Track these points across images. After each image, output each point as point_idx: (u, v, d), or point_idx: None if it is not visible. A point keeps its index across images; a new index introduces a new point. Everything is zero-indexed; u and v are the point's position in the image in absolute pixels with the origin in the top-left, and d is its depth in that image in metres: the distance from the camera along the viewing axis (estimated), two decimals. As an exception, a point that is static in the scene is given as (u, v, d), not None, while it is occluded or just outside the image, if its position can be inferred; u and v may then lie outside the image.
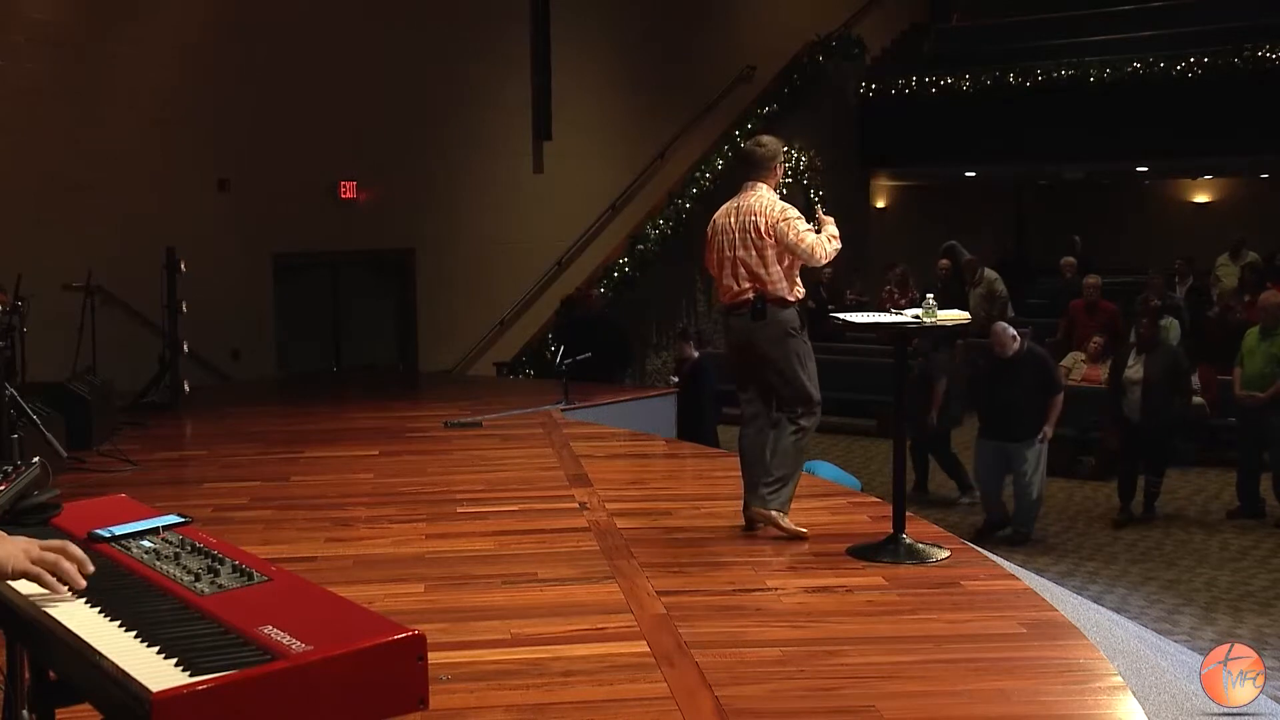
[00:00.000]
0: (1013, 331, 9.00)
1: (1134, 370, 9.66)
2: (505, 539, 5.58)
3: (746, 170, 5.61)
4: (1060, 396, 8.97)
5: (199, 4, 11.57)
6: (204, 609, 1.96)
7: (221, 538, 2.34)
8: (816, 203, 5.76)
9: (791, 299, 5.43)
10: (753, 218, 5.40)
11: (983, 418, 9.37)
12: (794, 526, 5.49)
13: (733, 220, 5.46)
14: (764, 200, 5.44)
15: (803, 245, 5.35)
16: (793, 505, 5.81)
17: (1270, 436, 9.53)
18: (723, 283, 5.51)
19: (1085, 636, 4.18)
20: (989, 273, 13.82)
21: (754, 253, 5.38)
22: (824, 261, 5.51)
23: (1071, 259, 15.60)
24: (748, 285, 5.41)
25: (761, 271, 5.37)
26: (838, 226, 5.59)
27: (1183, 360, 9.91)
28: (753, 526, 5.56)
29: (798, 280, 5.49)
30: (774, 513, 5.47)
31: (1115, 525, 9.55)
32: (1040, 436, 8.91)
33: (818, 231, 5.46)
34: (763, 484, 5.49)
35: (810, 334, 5.60)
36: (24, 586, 2.06)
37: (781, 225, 5.35)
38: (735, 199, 5.56)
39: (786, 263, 5.40)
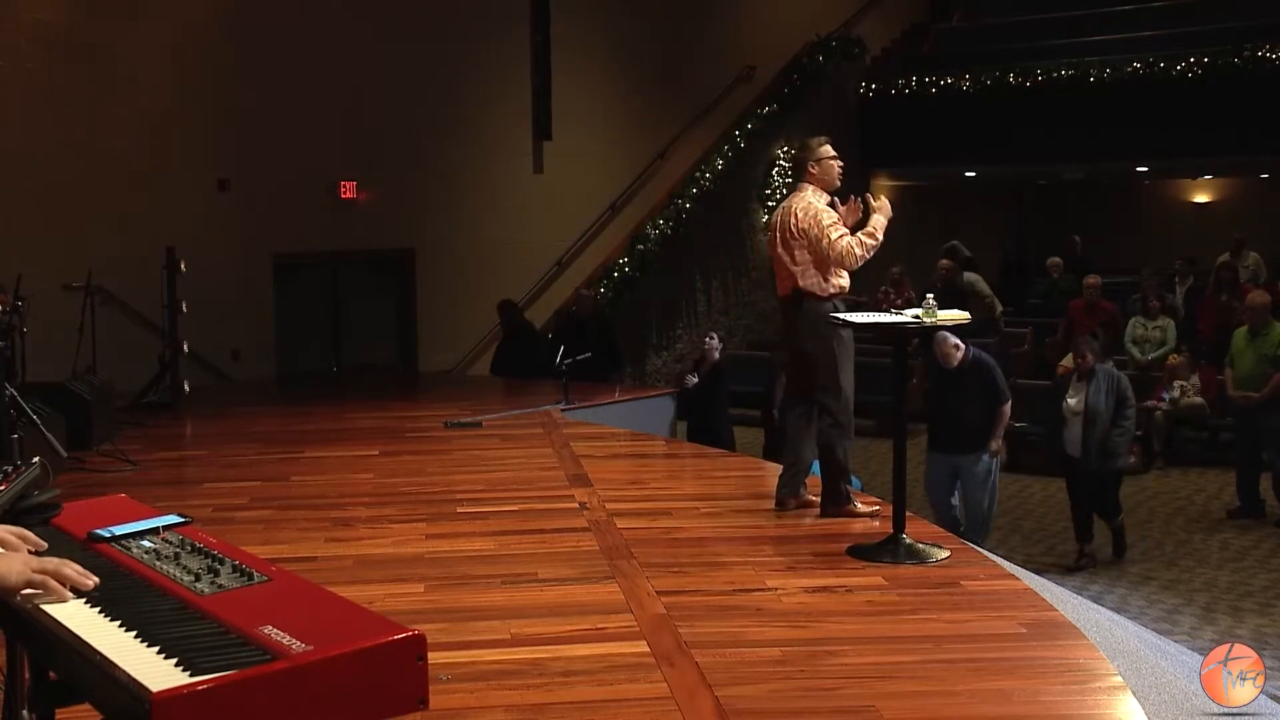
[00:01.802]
0: (954, 340, 8.22)
1: (1075, 400, 8.71)
2: (505, 539, 5.58)
3: (794, 174, 5.95)
4: (1006, 406, 8.24)
5: (199, 4, 11.57)
6: (204, 609, 1.96)
7: (221, 538, 2.34)
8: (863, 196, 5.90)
9: (823, 294, 5.61)
10: (789, 217, 5.66)
11: (930, 430, 8.80)
12: (862, 508, 5.82)
13: (778, 219, 5.74)
14: (802, 202, 5.69)
15: (834, 251, 5.53)
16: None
17: (1267, 436, 9.54)
18: (775, 279, 5.83)
19: (1085, 636, 4.18)
20: (969, 275, 13.29)
21: (789, 250, 5.63)
22: (859, 263, 5.62)
23: (1058, 259, 15.67)
24: (786, 281, 5.68)
25: (794, 267, 5.62)
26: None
27: (1126, 387, 8.75)
28: (784, 507, 5.82)
29: (833, 274, 5.63)
30: (847, 506, 5.78)
31: (1070, 570, 8.52)
32: (988, 450, 8.23)
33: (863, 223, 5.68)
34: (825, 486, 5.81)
35: None
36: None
37: (814, 231, 5.56)
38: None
39: (817, 259, 5.59)
